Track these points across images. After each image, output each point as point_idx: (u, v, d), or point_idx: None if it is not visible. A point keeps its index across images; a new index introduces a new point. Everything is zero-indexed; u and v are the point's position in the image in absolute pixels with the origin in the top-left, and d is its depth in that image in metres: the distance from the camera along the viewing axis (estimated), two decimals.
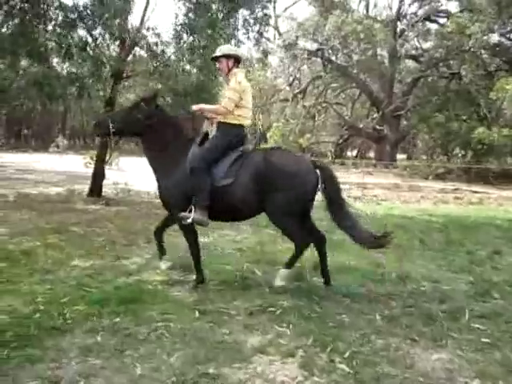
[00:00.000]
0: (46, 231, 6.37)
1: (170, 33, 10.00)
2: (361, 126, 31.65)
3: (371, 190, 15.19)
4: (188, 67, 10.17)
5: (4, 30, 11.17)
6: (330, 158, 33.36)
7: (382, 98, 29.37)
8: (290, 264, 4.22)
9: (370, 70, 27.89)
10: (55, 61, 12.33)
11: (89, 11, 9.65)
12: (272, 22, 21.83)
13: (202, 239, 6.27)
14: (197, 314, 3.53)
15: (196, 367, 2.70)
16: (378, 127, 29.18)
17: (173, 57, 10.04)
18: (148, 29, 10.08)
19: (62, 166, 19.12)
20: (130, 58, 10.17)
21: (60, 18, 10.25)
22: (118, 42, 10.20)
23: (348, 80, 31.01)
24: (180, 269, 4.69)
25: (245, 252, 5.70)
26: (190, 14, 8.94)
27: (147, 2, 9.93)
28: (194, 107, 4.30)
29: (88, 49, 9.87)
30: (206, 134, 4.27)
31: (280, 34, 29.18)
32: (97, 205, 9.26)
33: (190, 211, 4.02)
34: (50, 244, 5.68)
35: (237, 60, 4.29)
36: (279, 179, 3.96)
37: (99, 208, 8.91)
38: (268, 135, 34.70)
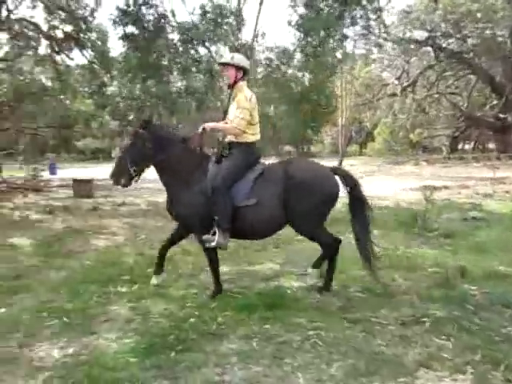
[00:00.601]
0: None
1: (281, 39, 10.19)
2: (479, 115, 29.10)
3: (501, 186, 13.81)
4: (300, 74, 10.22)
5: (127, 53, 12.22)
6: (445, 153, 31.21)
7: (504, 82, 26.68)
8: (316, 265, 4.38)
9: (489, 53, 25.48)
10: (173, 77, 13.21)
11: (204, 27, 10.18)
12: (377, 15, 20.97)
13: None
14: (345, 322, 3.45)
15: (360, 380, 2.62)
16: (501, 115, 26.56)
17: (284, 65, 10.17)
18: (259, 40, 10.35)
19: None
20: None
21: (177, 36, 10.97)
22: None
23: (463, 67, 28.72)
24: (317, 274, 4.65)
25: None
26: (303, 19, 8.96)
27: (259, 12, 10.18)
28: (206, 125, 4.08)
29: (203, 62, 10.41)
30: (221, 152, 4.12)
31: (386, 27, 28.01)
32: None
33: (214, 234, 3.91)
34: (186, 250, 6.02)
35: (245, 72, 4.11)
36: (302, 190, 3.88)
37: None
38: (375, 132, 33.61)
